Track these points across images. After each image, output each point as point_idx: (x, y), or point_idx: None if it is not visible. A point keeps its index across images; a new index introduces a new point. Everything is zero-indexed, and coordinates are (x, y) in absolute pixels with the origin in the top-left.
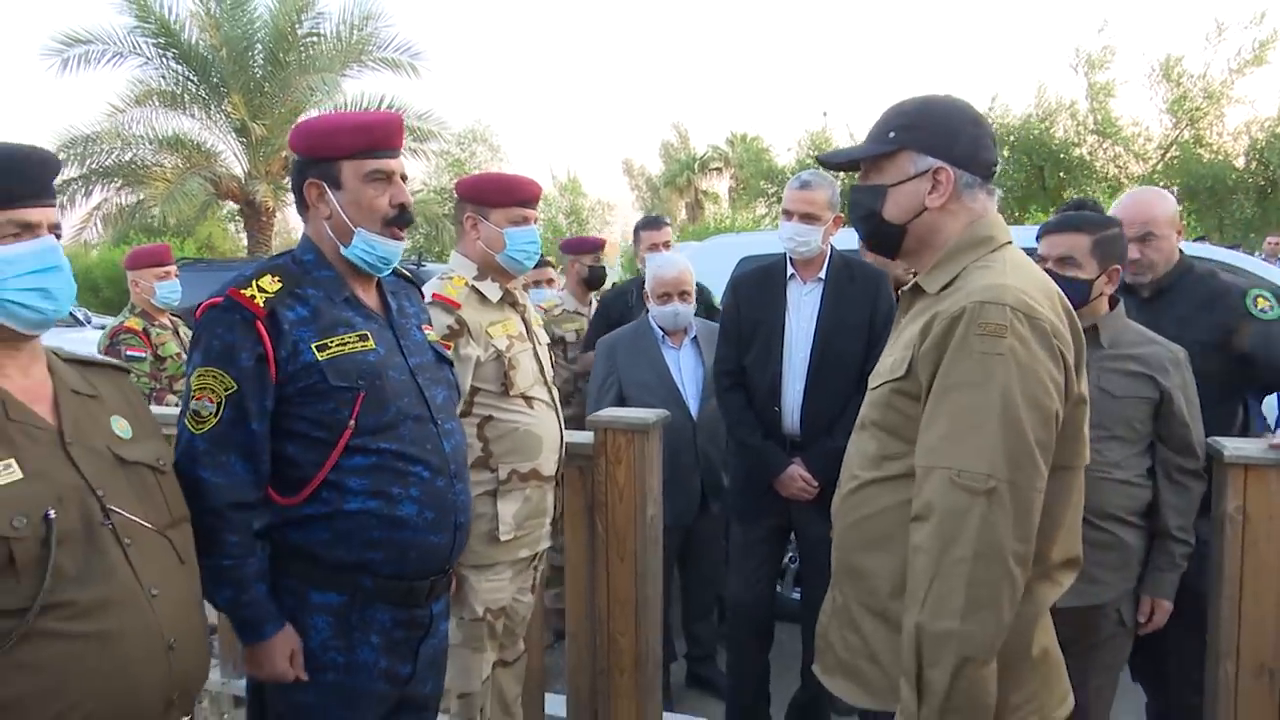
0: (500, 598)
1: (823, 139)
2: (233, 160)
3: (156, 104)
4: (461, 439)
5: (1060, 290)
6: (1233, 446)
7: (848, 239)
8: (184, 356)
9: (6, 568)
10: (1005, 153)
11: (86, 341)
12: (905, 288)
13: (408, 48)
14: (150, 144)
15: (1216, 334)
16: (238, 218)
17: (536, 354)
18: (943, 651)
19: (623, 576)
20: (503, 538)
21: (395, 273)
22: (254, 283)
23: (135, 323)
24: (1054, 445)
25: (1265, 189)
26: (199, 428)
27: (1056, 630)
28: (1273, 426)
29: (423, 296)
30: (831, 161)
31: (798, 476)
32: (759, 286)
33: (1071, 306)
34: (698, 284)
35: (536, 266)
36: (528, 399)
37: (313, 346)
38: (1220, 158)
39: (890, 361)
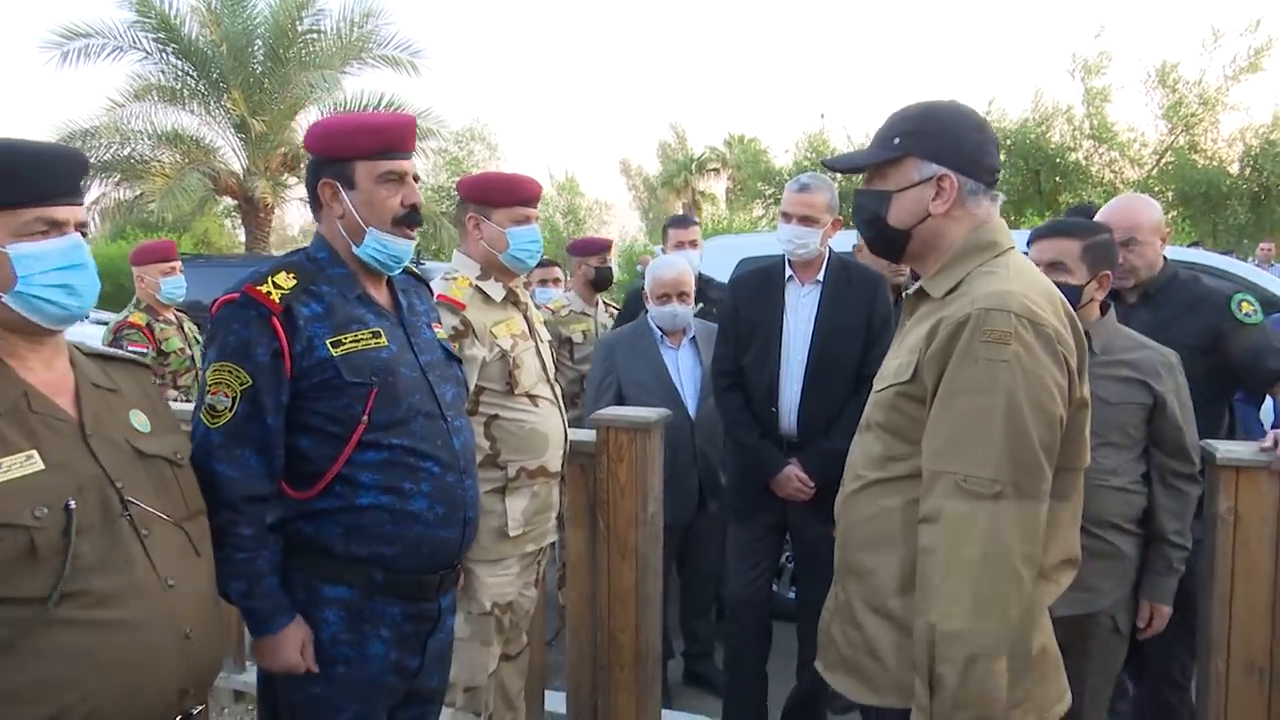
0: (507, 592)
1: (820, 141)
2: (231, 156)
3: (156, 99)
4: (470, 435)
5: (1062, 295)
6: (1225, 449)
7: (841, 240)
8: (187, 352)
9: (28, 556)
10: (1001, 157)
11: (85, 335)
12: (909, 291)
13: (408, 45)
14: (149, 139)
15: (1202, 338)
16: (234, 213)
17: (539, 352)
18: (953, 649)
19: (624, 573)
20: (511, 533)
21: (405, 271)
22: (269, 279)
23: (139, 318)
24: (1058, 448)
25: (1259, 195)
26: (214, 422)
27: None
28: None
29: (432, 294)
30: (837, 166)
31: (794, 477)
32: (757, 288)
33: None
34: (706, 276)
35: (543, 266)
36: (532, 397)
37: (327, 343)
38: (1215, 164)
39: (896, 365)
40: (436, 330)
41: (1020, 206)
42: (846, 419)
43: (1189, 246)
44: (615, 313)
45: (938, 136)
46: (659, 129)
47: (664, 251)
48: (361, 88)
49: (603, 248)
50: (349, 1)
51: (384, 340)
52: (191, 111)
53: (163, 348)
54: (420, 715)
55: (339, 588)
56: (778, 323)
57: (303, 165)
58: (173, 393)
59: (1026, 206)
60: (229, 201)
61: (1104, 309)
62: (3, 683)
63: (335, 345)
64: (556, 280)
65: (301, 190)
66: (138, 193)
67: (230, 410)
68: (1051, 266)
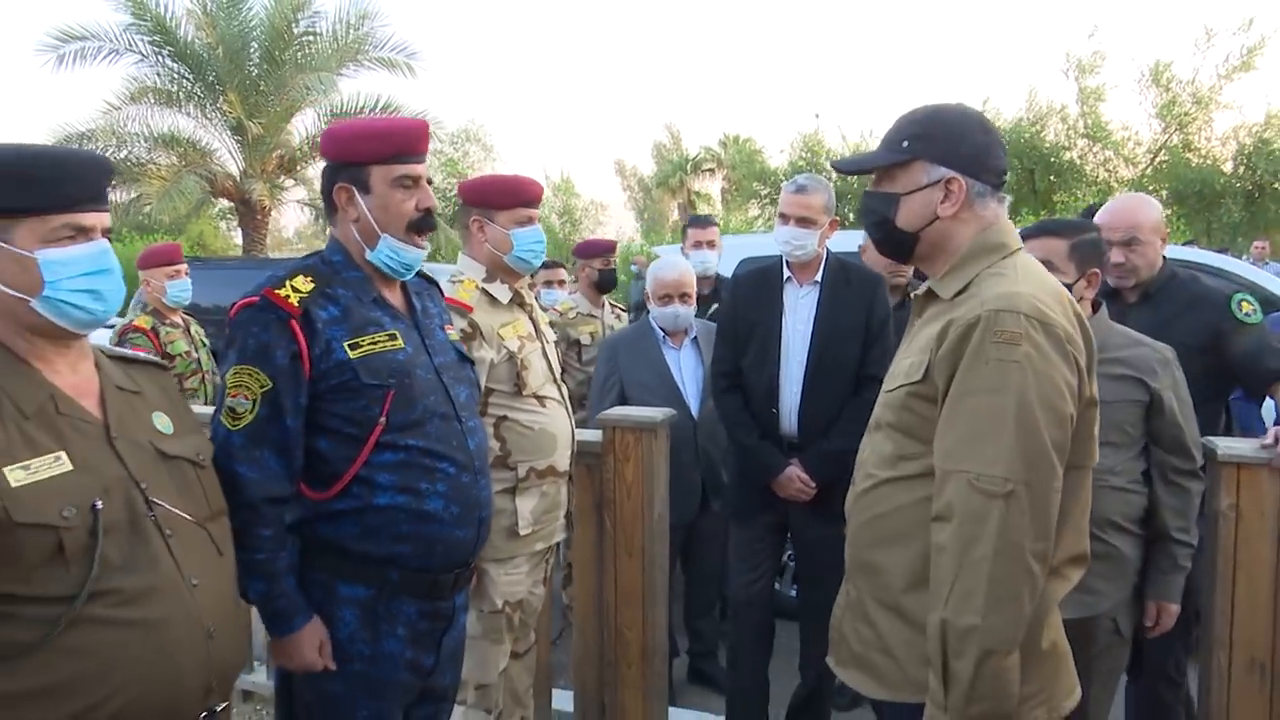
0: (518, 590)
1: (815, 141)
2: (228, 158)
3: (152, 101)
4: (483, 436)
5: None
6: (1226, 446)
7: (841, 241)
8: (193, 355)
9: (56, 556)
10: None
11: (92, 337)
12: (918, 292)
13: (404, 48)
14: (145, 142)
15: (1201, 337)
16: (229, 215)
17: (545, 353)
18: (967, 645)
19: (630, 571)
20: (522, 532)
21: (418, 273)
22: (288, 283)
23: (144, 321)
24: (1069, 447)
25: (1253, 194)
26: (235, 424)
27: None
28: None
29: (443, 296)
30: (846, 168)
31: (795, 478)
32: (756, 289)
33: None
34: (724, 277)
35: (547, 268)
36: (540, 398)
37: (345, 345)
38: (1208, 163)
39: (906, 365)
40: (449, 332)
41: (1015, 206)
42: (846, 419)
43: (1184, 245)
44: (621, 314)
45: (946, 140)
46: (654, 129)
47: (684, 251)
48: (357, 90)
49: (606, 250)
50: (345, 4)
51: (400, 342)
52: (188, 114)
53: (168, 351)
54: (434, 713)
55: (356, 587)
56: (777, 324)
57: (299, 168)
58: None
59: (1021, 206)
60: (224, 204)
61: (1095, 306)
62: (33, 680)
63: (353, 348)
64: (561, 282)
65: (298, 192)
66: (134, 195)
67: (250, 412)
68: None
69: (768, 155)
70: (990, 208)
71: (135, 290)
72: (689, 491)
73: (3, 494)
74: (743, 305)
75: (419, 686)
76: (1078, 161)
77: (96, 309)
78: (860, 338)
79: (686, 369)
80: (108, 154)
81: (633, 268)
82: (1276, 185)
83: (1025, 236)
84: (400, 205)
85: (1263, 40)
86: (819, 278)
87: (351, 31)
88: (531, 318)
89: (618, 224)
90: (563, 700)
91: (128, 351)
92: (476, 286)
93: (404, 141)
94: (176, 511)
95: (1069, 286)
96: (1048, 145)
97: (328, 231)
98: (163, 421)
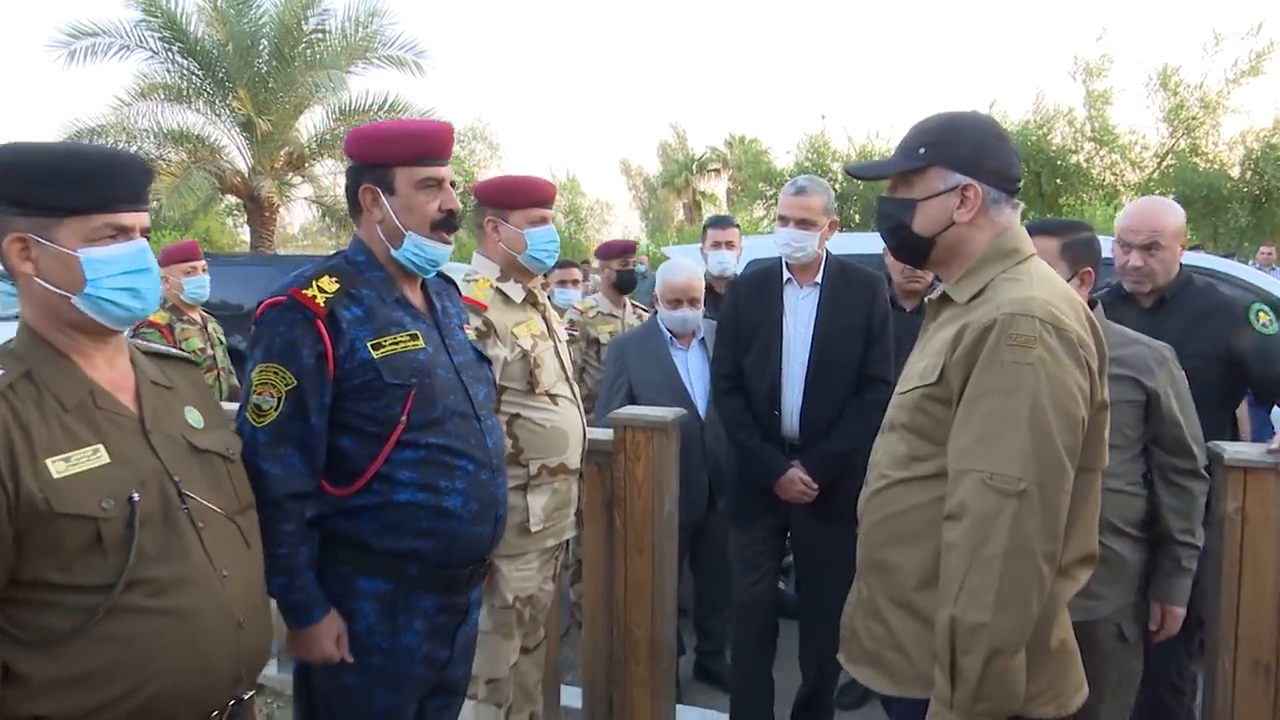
0: (528, 586)
1: (821, 142)
2: (237, 155)
3: (162, 98)
4: (500, 434)
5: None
6: (1233, 450)
7: (845, 244)
8: (208, 352)
9: (95, 546)
10: None
11: None
12: (932, 296)
13: (413, 45)
14: (155, 138)
15: (1217, 346)
16: (236, 212)
17: (558, 352)
18: (975, 642)
19: (640, 569)
20: (533, 529)
21: (437, 274)
22: (314, 283)
23: (160, 317)
24: (1080, 450)
25: (1260, 199)
26: (260, 421)
27: None
28: None
29: (461, 296)
30: (862, 174)
31: (798, 480)
32: (756, 290)
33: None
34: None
35: (561, 267)
36: (552, 396)
37: (368, 345)
38: (1216, 167)
39: (921, 367)
40: (467, 332)
41: (1022, 210)
42: (848, 421)
43: (1190, 250)
44: (643, 314)
45: (962, 146)
46: (659, 129)
47: (702, 251)
48: (366, 87)
49: (625, 251)
50: (354, 1)
51: (421, 342)
52: (197, 110)
53: (182, 347)
54: (447, 704)
55: (375, 581)
56: (778, 325)
57: (308, 165)
58: None
59: (1028, 209)
60: (231, 200)
61: (1090, 305)
62: (73, 666)
63: (376, 348)
64: (575, 281)
65: (306, 189)
66: None
67: (275, 410)
68: None
69: (773, 156)
70: (1005, 214)
71: None
72: (696, 492)
73: (45, 485)
74: (744, 307)
75: (434, 679)
76: (1084, 165)
77: (135, 306)
78: (861, 338)
79: (694, 369)
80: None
81: (640, 267)
82: None
83: None
84: (424, 206)
85: (1271, 45)
86: (819, 279)
87: (360, 29)
88: (544, 317)
89: (623, 223)
90: (571, 697)
91: (160, 347)
92: (491, 285)
93: (429, 144)
94: (208, 504)
95: None
96: (1054, 148)
97: (335, 230)
98: (194, 416)
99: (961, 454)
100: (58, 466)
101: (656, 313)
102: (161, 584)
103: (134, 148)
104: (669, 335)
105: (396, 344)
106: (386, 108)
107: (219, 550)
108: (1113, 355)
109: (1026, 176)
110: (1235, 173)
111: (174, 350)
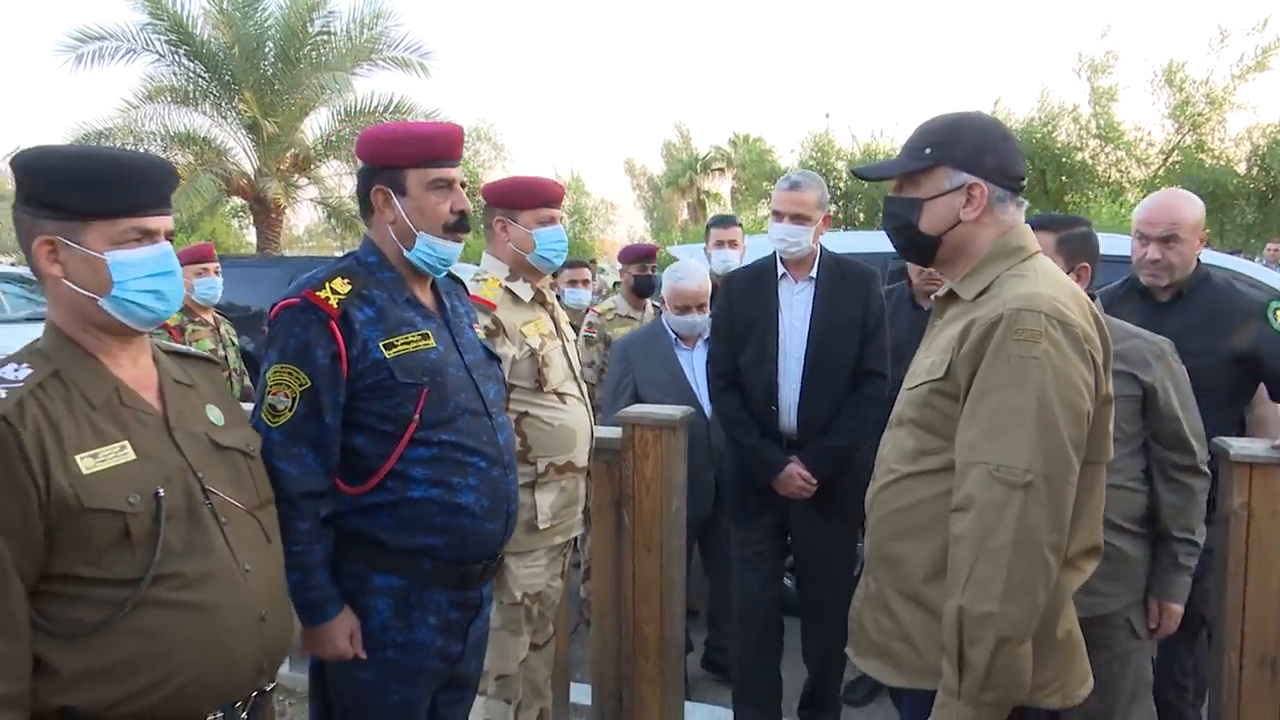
0: (536, 583)
1: (825, 140)
2: (243, 157)
3: (168, 100)
4: (511, 432)
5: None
6: (1238, 446)
7: (849, 242)
8: (220, 353)
9: (122, 540)
10: None
11: None
12: (938, 293)
13: (418, 47)
14: (162, 140)
15: (1236, 345)
16: (241, 213)
17: (566, 351)
18: (983, 632)
19: (649, 567)
20: (541, 526)
21: (446, 274)
22: (327, 285)
23: (172, 318)
24: (1085, 442)
25: (1266, 195)
26: (274, 421)
27: None
28: None
29: (470, 295)
30: (869, 175)
31: (796, 476)
32: (751, 286)
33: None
34: None
35: (572, 267)
36: (560, 394)
37: (380, 345)
38: (1222, 163)
39: (928, 363)
40: (477, 330)
41: (1027, 207)
42: (845, 415)
43: None
44: None
45: (967, 146)
46: (663, 128)
47: (706, 251)
48: (371, 89)
49: (642, 256)
50: (359, 3)
51: (432, 341)
52: (204, 113)
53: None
54: (459, 699)
55: (389, 577)
56: (773, 321)
57: (313, 166)
58: None
59: (1033, 206)
60: (237, 202)
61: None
62: (102, 658)
63: (388, 348)
64: (586, 281)
65: (312, 191)
66: None
67: (290, 410)
68: None
69: (778, 155)
70: (1010, 212)
71: None
72: (703, 490)
73: (75, 481)
74: (739, 303)
75: (447, 673)
76: (1090, 162)
77: (159, 308)
78: (857, 333)
79: (699, 369)
80: None
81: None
82: None
83: None
84: (435, 208)
85: (1277, 40)
86: (814, 273)
87: (366, 31)
88: (553, 316)
89: (627, 223)
90: (580, 694)
91: (181, 346)
92: (500, 285)
93: (440, 146)
94: (230, 500)
95: None
96: (1059, 146)
97: (340, 232)
98: (215, 414)
99: (969, 447)
100: (87, 463)
101: (662, 313)
102: (187, 578)
103: (141, 150)
104: (674, 336)
105: (408, 343)
106: (392, 109)
107: (241, 545)
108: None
109: (1031, 174)
110: (1241, 169)
111: (193, 349)
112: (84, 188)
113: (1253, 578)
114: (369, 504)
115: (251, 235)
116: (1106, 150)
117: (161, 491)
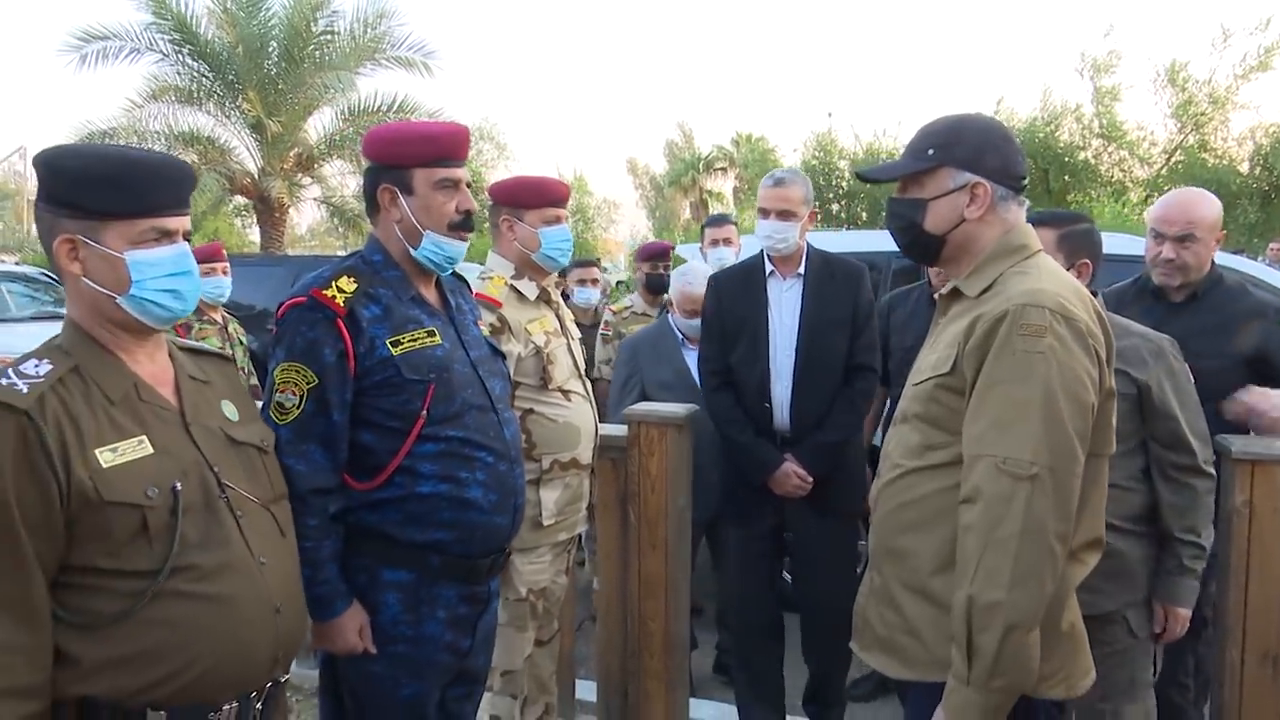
0: (541, 579)
1: (828, 140)
2: (246, 156)
3: (172, 100)
4: (517, 427)
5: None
6: (1240, 443)
7: (851, 242)
8: (227, 352)
9: (141, 533)
10: None
11: None
12: (942, 291)
13: (421, 47)
14: (166, 140)
15: (1249, 348)
16: (244, 213)
17: (570, 348)
18: (992, 619)
19: (654, 564)
20: (545, 523)
21: (451, 271)
22: (333, 283)
23: None
24: (1090, 435)
25: (1269, 194)
26: (282, 418)
27: None
28: None
29: (475, 293)
30: (873, 176)
31: (792, 473)
32: (740, 285)
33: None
34: None
35: (581, 265)
36: (565, 392)
37: (387, 343)
38: (1225, 163)
39: (934, 359)
40: (481, 327)
41: (1029, 206)
42: (838, 411)
43: None
44: None
45: (969, 146)
46: (666, 128)
47: (701, 250)
48: (375, 88)
49: (656, 254)
50: (363, 3)
51: (438, 338)
52: (207, 112)
53: None
54: (468, 694)
55: (399, 572)
56: (763, 319)
57: (317, 165)
58: None
59: (1035, 205)
60: (240, 201)
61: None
62: (121, 648)
63: (395, 345)
64: (594, 280)
65: (315, 190)
66: None
67: (298, 408)
68: None
69: (780, 154)
70: (1012, 211)
71: None
72: (708, 489)
73: (94, 474)
74: (728, 302)
75: (456, 668)
76: (1092, 161)
77: (176, 307)
78: (847, 329)
79: None
80: None
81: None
82: None
83: None
84: (442, 207)
85: None
86: (801, 270)
87: (369, 30)
88: (558, 314)
89: (630, 222)
90: (585, 690)
91: (196, 343)
92: (505, 283)
93: (446, 146)
94: (245, 494)
95: None
96: (1062, 145)
97: (343, 231)
98: (230, 409)
99: (976, 440)
100: (106, 456)
101: (668, 313)
102: (204, 570)
103: (145, 149)
104: (681, 336)
105: (415, 340)
106: (395, 109)
107: (256, 538)
108: None
109: (1034, 173)
110: (1244, 168)
111: (208, 346)
112: (104, 188)
113: (1254, 575)
114: (378, 500)
115: (255, 235)
116: (1109, 150)
117: (179, 485)
